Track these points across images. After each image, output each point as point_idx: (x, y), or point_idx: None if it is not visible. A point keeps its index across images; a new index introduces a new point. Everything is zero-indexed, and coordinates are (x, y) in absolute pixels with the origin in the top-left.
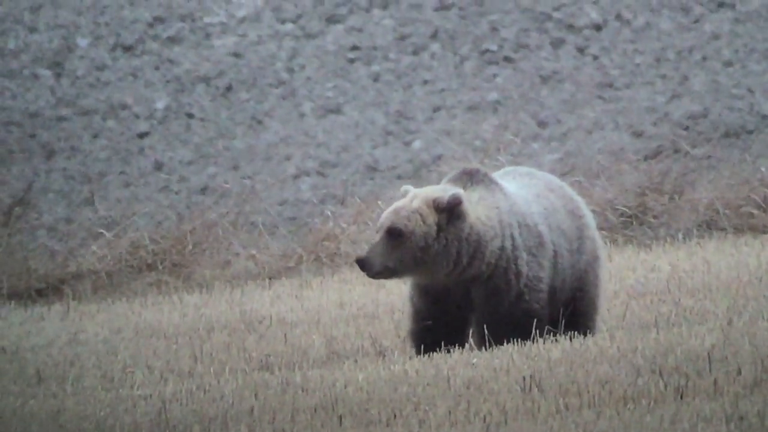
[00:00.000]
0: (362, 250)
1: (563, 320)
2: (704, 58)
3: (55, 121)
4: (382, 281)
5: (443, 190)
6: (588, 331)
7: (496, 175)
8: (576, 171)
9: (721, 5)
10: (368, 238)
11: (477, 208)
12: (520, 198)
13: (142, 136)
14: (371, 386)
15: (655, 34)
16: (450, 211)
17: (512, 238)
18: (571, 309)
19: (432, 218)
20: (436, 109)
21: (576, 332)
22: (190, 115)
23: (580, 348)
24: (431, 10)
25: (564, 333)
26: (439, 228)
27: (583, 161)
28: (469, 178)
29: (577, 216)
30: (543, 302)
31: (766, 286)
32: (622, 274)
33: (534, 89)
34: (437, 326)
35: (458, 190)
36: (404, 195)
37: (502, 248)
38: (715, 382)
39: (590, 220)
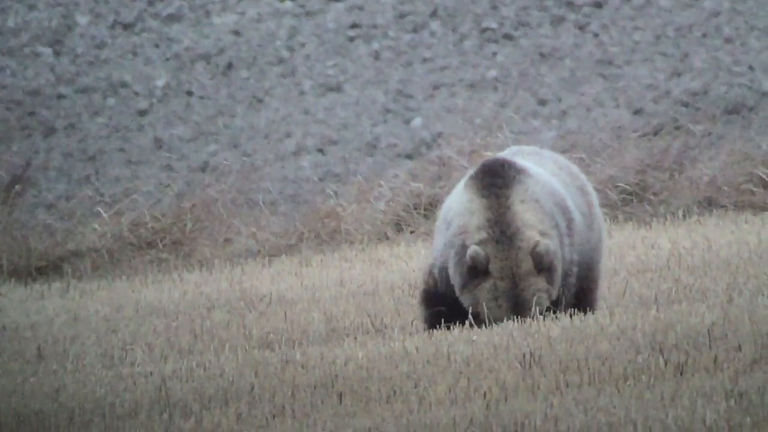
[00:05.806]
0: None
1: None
2: (704, 35)
3: (54, 99)
4: (384, 258)
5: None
6: (590, 307)
7: (508, 155)
8: (576, 148)
9: None
10: (368, 216)
11: (526, 215)
12: (544, 176)
13: (141, 113)
14: (371, 364)
15: (655, 11)
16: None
17: (557, 225)
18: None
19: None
20: (436, 87)
21: (579, 309)
22: (190, 93)
23: (580, 325)
24: None
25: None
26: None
27: (583, 138)
28: (498, 176)
29: (585, 193)
30: (573, 288)
31: (766, 263)
32: (622, 251)
33: (534, 67)
34: (452, 314)
35: (548, 244)
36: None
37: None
38: (715, 358)
39: (595, 197)
